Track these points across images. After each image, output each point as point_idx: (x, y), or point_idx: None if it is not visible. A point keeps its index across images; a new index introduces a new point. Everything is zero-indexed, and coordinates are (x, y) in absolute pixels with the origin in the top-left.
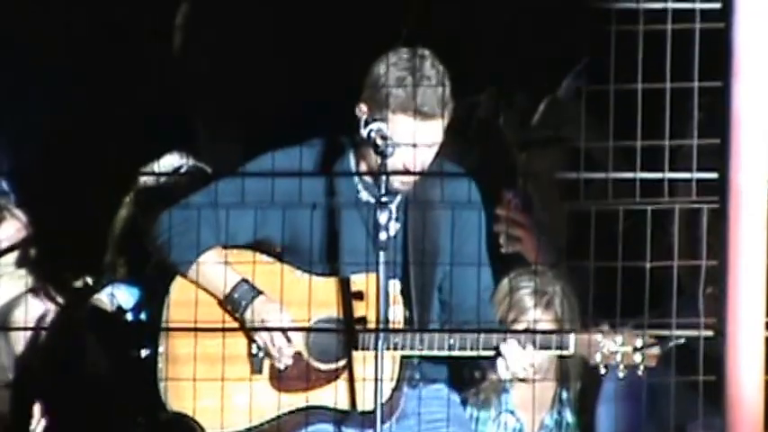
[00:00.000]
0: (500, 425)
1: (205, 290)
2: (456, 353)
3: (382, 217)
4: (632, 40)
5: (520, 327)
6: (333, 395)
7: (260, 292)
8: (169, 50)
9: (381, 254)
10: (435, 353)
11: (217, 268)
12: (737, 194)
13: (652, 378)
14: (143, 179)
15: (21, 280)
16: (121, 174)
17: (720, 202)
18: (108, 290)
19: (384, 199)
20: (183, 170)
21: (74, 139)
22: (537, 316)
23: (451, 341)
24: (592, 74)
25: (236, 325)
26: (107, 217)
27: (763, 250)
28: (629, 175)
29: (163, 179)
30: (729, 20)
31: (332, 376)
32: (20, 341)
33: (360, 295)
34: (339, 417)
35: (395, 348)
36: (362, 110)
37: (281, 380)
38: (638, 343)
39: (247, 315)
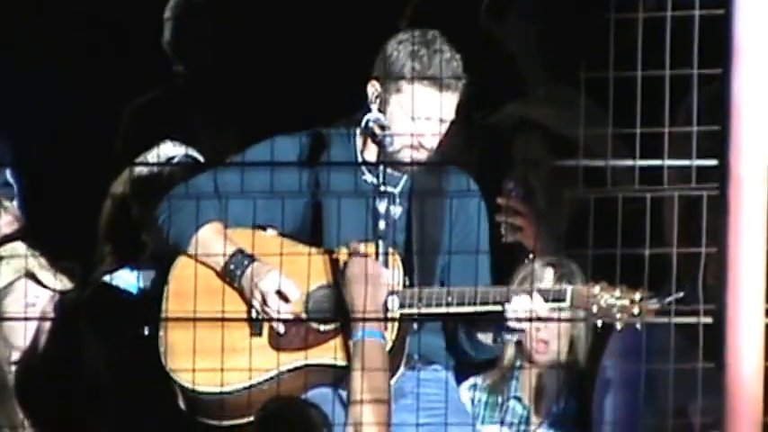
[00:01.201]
0: (507, 411)
1: (205, 263)
2: (454, 309)
3: (381, 206)
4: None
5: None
6: (332, 353)
7: (254, 259)
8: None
9: (381, 242)
10: (434, 309)
11: (215, 242)
12: (737, 181)
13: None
14: (137, 169)
15: (14, 267)
16: (117, 164)
17: (720, 189)
18: (107, 276)
19: (383, 188)
20: (176, 160)
21: (70, 130)
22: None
23: (449, 298)
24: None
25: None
26: (100, 206)
27: (762, 237)
28: (629, 162)
29: (156, 169)
30: (729, 6)
31: (330, 336)
32: (15, 329)
33: None
34: (338, 374)
35: (396, 308)
36: (374, 86)
37: (280, 341)
38: (636, 296)
39: (244, 282)
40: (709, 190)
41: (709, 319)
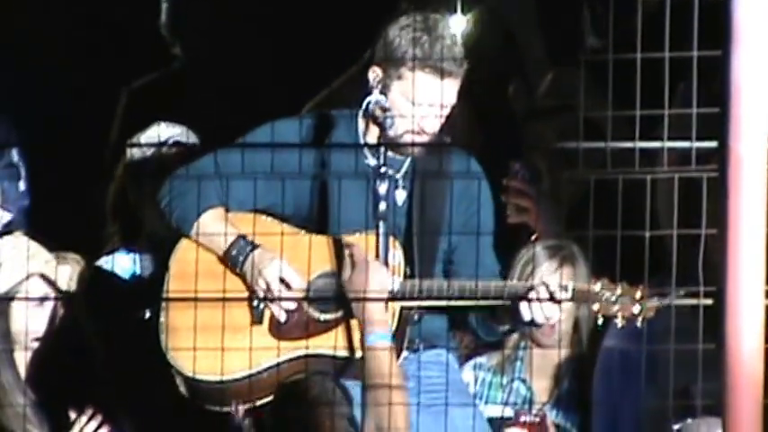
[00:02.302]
0: (510, 391)
1: (207, 248)
2: (455, 302)
3: (382, 187)
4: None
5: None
6: (332, 343)
7: (257, 246)
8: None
9: (381, 224)
10: (435, 302)
11: (216, 227)
12: (737, 163)
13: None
14: (131, 150)
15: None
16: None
17: (720, 171)
18: (108, 258)
19: (383, 170)
20: (171, 141)
21: (72, 112)
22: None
23: (450, 291)
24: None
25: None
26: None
27: (762, 219)
28: (629, 144)
29: (151, 150)
30: None
31: (331, 326)
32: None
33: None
34: (339, 364)
35: (393, 298)
36: (376, 72)
37: (281, 330)
38: (637, 294)
39: (246, 268)
40: (708, 172)
41: (709, 301)
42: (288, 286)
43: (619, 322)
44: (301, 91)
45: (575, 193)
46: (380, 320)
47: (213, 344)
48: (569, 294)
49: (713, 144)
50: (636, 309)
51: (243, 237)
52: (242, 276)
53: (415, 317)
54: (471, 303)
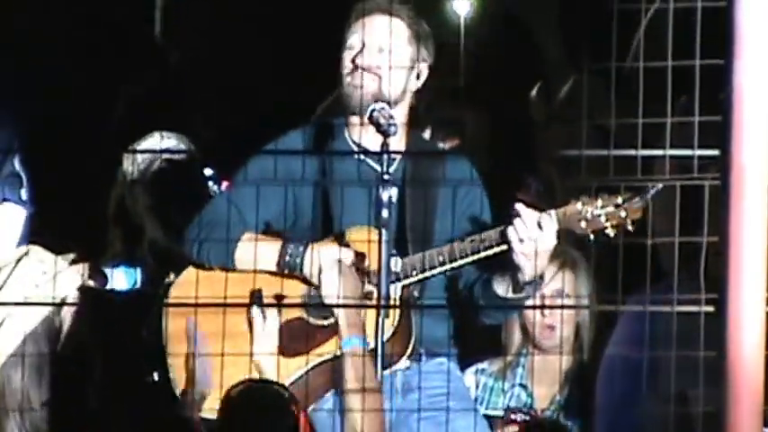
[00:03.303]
0: (511, 397)
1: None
2: (448, 265)
3: (385, 194)
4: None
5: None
6: (336, 347)
7: (307, 243)
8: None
9: (383, 231)
10: (429, 273)
11: (254, 248)
12: (739, 171)
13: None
14: (129, 159)
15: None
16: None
17: (722, 179)
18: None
19: (386, 177)
20: (168, 150)
21: (72, 120)
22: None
23: (441, 258)
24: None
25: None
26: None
27: (763, 227)
28: (631, 152)
29: (146, 159)
30: None
31: (334, 331)
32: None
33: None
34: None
35: (395, 280)
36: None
37: (292, 349)
38: (619, 200)
39: (305, 268)
40: (710, 180)
41: (710, 308)
42: (357, 267)
43: (610, 232)
44: (309, 95)
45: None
46: (355, 324)
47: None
48: (554, 220)
49: (715, 152)
50: (622, 213)
51: (287, 240)
52: (302, 278)
53: (416, 293)
54: (471, 260)
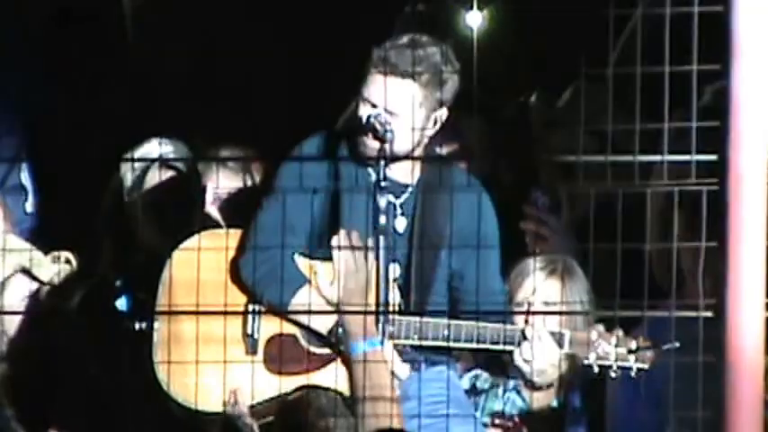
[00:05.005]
0: (507, 402)
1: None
2: (449, 343)
3: (382, 201)
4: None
5: (529, 307)
6: (330, 377)
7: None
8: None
9: (381, 238)
10: (430, 343)
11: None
12: (737, 177)
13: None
14: (125, 166)
15: (10, 262)
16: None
17: (720, 185)
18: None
19: (383, 184)
20: (162, 158)
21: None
22: (546, 291)
23: (446, 332)
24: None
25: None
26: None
27: (762, 232)
28: (628, 158)
29: (143, 167)
30: (728, 3)
31: (328, 359)
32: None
33: None
34: (337, 399)
35: (390, 338)
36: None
37: (276, 363)
38: (633, 345)
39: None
40: (708, 185)
41: (709, 314)
42: None
43: (612, 374)
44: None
45: (581, 207)
46: (365, 327)
47: (208, 378)
48: (567, 342)
49: (713, 157)
50: (631, 360)
51: (337, 324)
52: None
53: (408, 350)
54: (470, 347)
